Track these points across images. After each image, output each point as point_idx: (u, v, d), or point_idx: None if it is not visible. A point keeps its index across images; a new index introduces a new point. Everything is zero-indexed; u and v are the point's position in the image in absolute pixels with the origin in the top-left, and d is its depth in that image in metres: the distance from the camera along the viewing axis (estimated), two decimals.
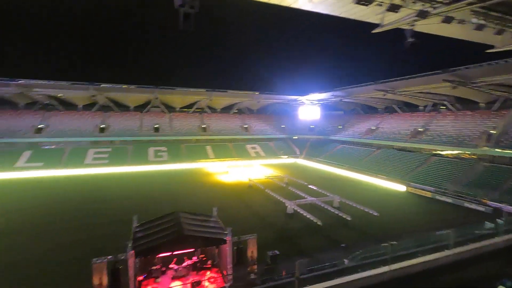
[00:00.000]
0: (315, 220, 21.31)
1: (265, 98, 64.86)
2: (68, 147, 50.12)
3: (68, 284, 13.71)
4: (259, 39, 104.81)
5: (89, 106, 57.69)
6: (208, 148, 58.40)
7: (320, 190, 29.89)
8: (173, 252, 13.38)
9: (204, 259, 14.95)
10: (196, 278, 13.48)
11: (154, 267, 13.93)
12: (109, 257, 12.13)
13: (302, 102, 65.03)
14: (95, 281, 12.05)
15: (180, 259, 14.55)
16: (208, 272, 14.10)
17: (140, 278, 13.38)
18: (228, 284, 12.93)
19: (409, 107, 54.29)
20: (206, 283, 13.36)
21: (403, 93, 45.09)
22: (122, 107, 60.48)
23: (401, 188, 34.30)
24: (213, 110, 68.32)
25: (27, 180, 38.69)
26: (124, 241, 12.74)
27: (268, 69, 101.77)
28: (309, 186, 32.83)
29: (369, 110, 63.67)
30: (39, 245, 18.06)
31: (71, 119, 54.70)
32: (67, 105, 56.60)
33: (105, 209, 25.48)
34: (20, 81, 45.26)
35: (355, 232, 20.58)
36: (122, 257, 12.19)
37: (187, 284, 13.16)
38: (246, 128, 66.28)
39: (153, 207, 24.65)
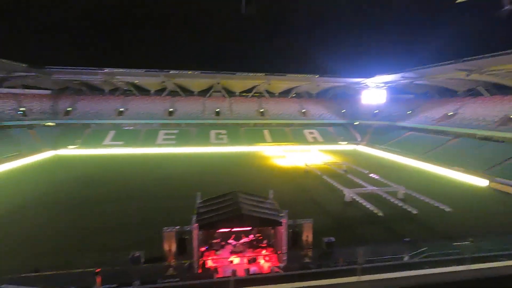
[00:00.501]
0: (375, 211, 20.19)
1: (325, 82, 62.21)
2: (143, 128, 56.43)
3: (143, 246, 15.78)
4: (323, 17, 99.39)
5: (159, 92, 63.40)
6: (266, 132, 59.28)
7: (382, 180, 27.98)
8: (231, 229, 14.30)
9: (260, 238, 15.62)
10: (252, 255, 14.22)
11: (214, 241, 15.14)
12: (177, 227, 13.58)
13: (366, 85, 60.45)
14: (166, 246, 13.69)
15: (238, 236, 15.50)
16: (264, 251, 14.71)
17: (203, 249, 14.68)
18: (282, 264, 13.33)
19: (500, 90, 45.88)
20: (261, 261, 14.01)
21: (493, 72, 38.22)
22: (187, 92, 64.91)
23: (482, 182, 29.93)
24: (271, 94, 68.51)
25: (112, 156, 45.11)
26: (188, 214, 14.06)
27: (329, 51, 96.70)
28: (370, 175, 30.99)
29: (446, 93, 55.98)
30: (124, 211, 21.14)
31: (145, 103, 61.06)
32: (142, 91, 63.13)
33: (172, 185, 28.33)
34: (105, 70, 52.00)
35: (421, 227, 18.93)
36: (188, 229, 13.50)
37: (244, 259, 14.00)
38: (304, 112, 65.03)
39: (213, 186, 26.40)
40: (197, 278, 11.87)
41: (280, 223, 13.26)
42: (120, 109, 58.14)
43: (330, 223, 19.38)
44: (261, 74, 58.25)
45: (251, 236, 15.56)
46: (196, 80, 60.04)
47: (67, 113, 55.73)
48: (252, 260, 13.81)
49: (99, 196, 24.75)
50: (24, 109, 51.86)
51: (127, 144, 50.08)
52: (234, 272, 12.53)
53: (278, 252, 14.13)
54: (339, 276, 5.70)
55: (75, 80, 56.15)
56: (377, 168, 36.12)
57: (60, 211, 21.19)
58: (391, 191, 24.40)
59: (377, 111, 62.94)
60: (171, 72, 54.41)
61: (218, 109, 62.23)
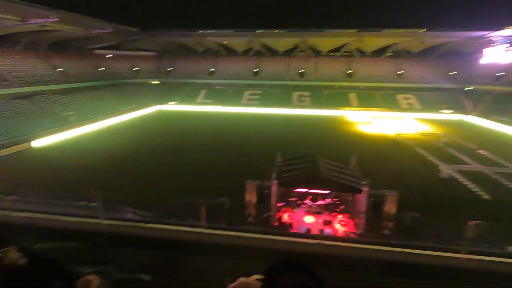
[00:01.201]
0: (479, 193, 17.22)
1: (433, 37, 51.99)
2: (231, 88, 59.73)
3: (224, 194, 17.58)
4: None
5: (246, 52, 64.72)
6: (352, 96, 55.08)
7: (496, 158, 23.19)
8: (309, 190, 14.56)
9: (337, 202, 15.51)
10: (328, 218, 14.36)
11: (291, 199, 15.78)
12: (258, 181, 14.57)
13: (490, 40, 47.94)
14: (247, 198, 14.99)
15: (314, 198, 15.74)
16: (340, 216, 14.63)
17: (280, 204, 15.53)
18: (358, 231, 13.08)
19: None
20: (337, 225, 14.04)
21: None
22: (272, 52, 64.33)
23: None
24: (362, 53, 61.78)
25: (203, 112, 50.03)
26: (268, 171, 14.82)
27: None
28: (479, 151, 26.01)
29: None
30: (212, 161, 23.83)
31: (232, 63, 63.67)
32: (231, 51, 65.56)
33: (254, 143, 29.98)
34: (199, 32, 55.58)
35: None
36: (268, 184, 14.35)
37: (319, 220, 14.30)
38: (400, 74, 57.04)
39: (292, 147, 26.79)
40: (272, 229, 12.80)
41: (359, 191, 12.76)
42: (211, 70, 62.37)
43: (418, 199, 17.59)
44: (352, 30, 52.63)
45: (328, 200, 15.58)
46: (281, 39, 58.56)
47: (168, 72, 63.16)
48: (327, 223, 13.98)
49: (191, 146, 28.36)
50: (137, 68, 61.07)
51: (216, 102, 54.35)
52: (308, 230, 13.03)
53: (355, 220, 13.85)
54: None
55: (174, 43, 62.13)
56: (491, 144, 29.88)
57: (161, 155, 25.29)
58: (507, 173, 20.13)
59: (503, 73, 50.09)
60: (258, 31, 54.36)
61: (302, 70, 60.27)
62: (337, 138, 33.35)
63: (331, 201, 15.53)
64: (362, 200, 12.84)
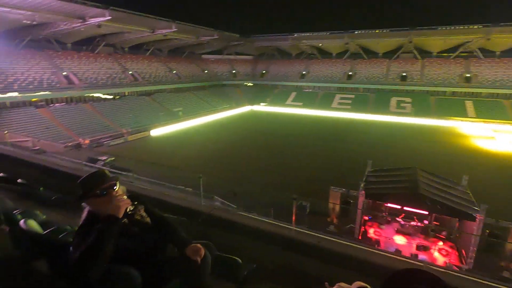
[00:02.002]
0: None
1: None
2: (321, 91, 58.51)
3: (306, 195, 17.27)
4: None
5: (341, 54, 62.19)
6: (468, 104, 46.12)
7: None
8: (403, 207, 12.95)
9: (438, 227, 13.31)
10: (424, 243, 12.47)
11: (380, 214, 14.36)
12: (343, 189, 13.85)
13: None
14: (330, 205, 14.46)
15: (408, 216, 13.90)
16: (440, 243, 12.52)
17: (366, 217, 14.35)
18: (465, 267, 10.92)
19: None
20: (435, 253, 12.06)
21: None
22: (370, 54, 59.89)
23: None
24: (487, 53, 50.97)
25: (291, 114, 50.59)
26: (354, 180, 13.87)
27: None
28: None
29: None
30: (297, 163, 23.91)
31: (325, 66, 62.21)
32: (324, 54, 64.21)
33: (342, 149, 28.53)
34: (294, 35, 56.46)
35: None
36: (354, 194, 13.48)
37: (412, 243, 12.57)
38: None
39: (385, 158, 24.37)
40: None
41: (472, 217, 10.62)
42: (303, 72, 62.49)
43: None
44: (476, 26, 44.02)
45: (426, 222, 13.50)
46: (382, 40, 53.88)
47: (262, 75, 66.44)
48: (423, 248, 12.16)
49: (279, 146, 29.05)
50: (234, 71, 66.48)
51: (305, 105, 54.12)
52: (398, 251, 11.62)
53: (462, 252, 11.61)
54: None
55: (270, 46, 64.92)
56: None
57: (251, 151, 26.77)
58: None
59: None
60: (356, 32, 51.53)
61: (404, 73, 53.98)
62: (445, 153, 28.51)
63: (430, 223, 13.41)
64: (474, 229, 10.66)
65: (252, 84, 65.67)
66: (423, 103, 48.22)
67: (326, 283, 1.48)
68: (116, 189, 1.83)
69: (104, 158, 21.77)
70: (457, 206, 11.02)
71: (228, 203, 13.26)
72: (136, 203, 1.93)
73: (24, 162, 5.65)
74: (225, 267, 2.22)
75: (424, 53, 55.30)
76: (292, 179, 20.36)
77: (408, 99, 49.77)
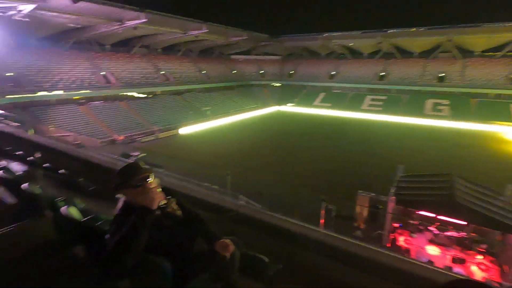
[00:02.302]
0: None
1: None
2: (351, 92, 56.85)
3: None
4: None
5: (373, 54, 59.97)
6: None
7: None
8: (437, 216, 12.19)
9: (476, 239, 12.36)
10: (461, 255, 11.65)
11: (411, 221, 13.62)
12: (372, 194, 13.34)
13: None
14: (358, 209, 14.00)
15: (443, 226, 13.05)
16: (480, 256, 11.61)
17: (396, 225, 13.71)
18: (508, 284, 10.05)
19: None
20: (473, 267, 11.21)
21: None
22: (405, 54, 57.11)
23: None
24: None
25: (319, 116, 49.68)
26: (384, 185, 13.30)
27: None
28: None
29: None
30: (324, 165, 23.46)
31: (356, 67, 60.34)
32: (355, 54, 62.31)
33: (372, 152, 27.50)
34: (325, 34, 55.38)
35: None
36: (383, 199, 12.94)
37: (446, 254, 11.79)
38: None
39: (421, 163, 23.15)
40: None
41: None
42: (332, 73, 61.13)
43: None
44: None
45: (463, 233, 12.59)
46: (419, 39, 51.13)
47: (290, 75, 65.98)
48: (459, 261, 11.36)
49: (305, 148, 28.68)
50: (262, 71, 66.67)
51: (333, 106, 52.88)
52: (430, 262, 10.95)
53: (505, 268, 10.69)
54: None
55: (299, 46, 64.27)
56: None
57: (278, 152, 26.69)
58: None
59: None
60: (390, 31, 49.43)
61: (442, 74, 50.82)
62: (486, 160, 26.45)
63: (467, 235, 12.48)
64: None
65: (279, 85, 65.42)
66: (463, 106, 45.06)
67: None
68: (150, 181, 1.88)
69: (136, 153, 22.89)
70: (500, 218, 10.17)
71: (253, 202, 13.33)
72: (168, 196, 2.00)
73: (66, 155, 6.12)
74: (252, 265, 2.23)
75: (465, 52, 51.61)
76: (318, 182, 20.00)
77: (446, 101, 46.79)
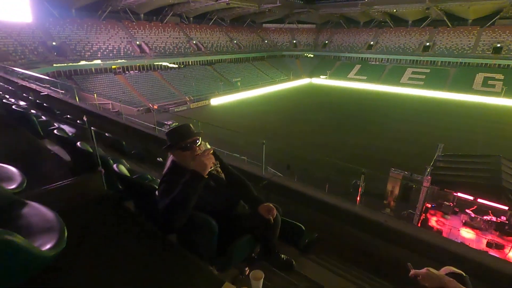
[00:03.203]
0: None
1: None
2: (389, 64, 52.95)
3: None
4: None
5: (419, 22, 54.44)
6: None
7: None
8: (476, 199, 11.52)
9: None
10: (498, 240, 11.08)
11: (446, 202, 13.04)
12: (406, 172, 12.84)
13: None
14: (389, 187, 13.62)
15: (481, 210, 12.35)
16: None
17: (428, 205, 13.23)
18: None
19: None
20: (511, 253, 10.66)
21: None
22: (457, 21, 51.09)
23: None
24: None
25: (353, 89, 47.29)
26: (420, 164, 12.70)
27: None
28: None
29: None
30: (357, 141, 22.77)
31: (398, 36, 55.53)
32: (398, 22, 56.97)
33: (409, 129, 26.04)
34: (366, 0, 50.94)
35: None
36: (418, 178, 12.43)
37: (482, 239, 11.28)
38: None
39: (464, 143, 21.58)
40: None
41: None
42: (370, 43, 56.95)
43: None
44: None
45: (503, 218, 11.86)
46: (476, 2, 45.13)
47: (324, 45, 62.59)
48: (496, 246, 10.82)
49: (337, 122, 27.86)
50: (295, 41, 63.86)
51: (369, 79, 49.91)
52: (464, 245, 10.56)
53: None
54: None
55: (336, 14, 59.96)
56: None
57: (308, 126, 26.26)
58: None
59: None
60: None
61: (499, 44, 45.15)
62: None
63: (508, 221, 11.74)
64: None
65: (313, 55, 62.54)
66: None
67: (408, 264, 1.43)
68: (199, 144, 1.93)
69: (169, 122, 23.73)
70: None
71: (280, 175, 13.47)
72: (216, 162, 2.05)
73: (109, 120, 6.54)
74: (289, 232, 2.29)
75: None
76: (349, 157, 19.55)
77: (499, 76, 42.01)
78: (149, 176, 2.51)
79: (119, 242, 1.77)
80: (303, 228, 2.35)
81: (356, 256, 2.71)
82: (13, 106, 4.02)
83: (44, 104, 6.65)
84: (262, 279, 1.52)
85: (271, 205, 2.01)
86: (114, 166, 2.15)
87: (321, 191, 3.54)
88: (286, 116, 30.45)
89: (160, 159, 3.98)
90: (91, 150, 2.40)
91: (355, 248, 2.78)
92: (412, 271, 1.43)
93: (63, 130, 3.17)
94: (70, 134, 3.55)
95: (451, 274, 1.39)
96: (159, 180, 1.91)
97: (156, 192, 1.81)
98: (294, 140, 22.95)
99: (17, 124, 3.72)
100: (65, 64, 32.60)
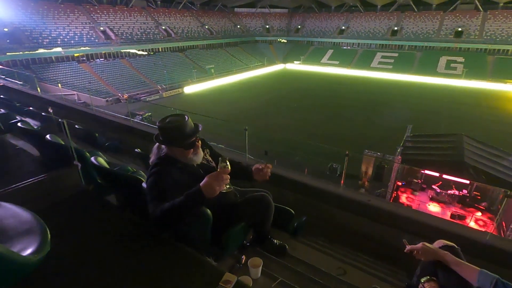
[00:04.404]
0: None
1: None
2: (360, 49, 54.18)
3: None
4: None
5: (387, 7, 55.83)
6: None
7: None
8: (441, 175, 12.36)
9: (478, 198, 12.69)
10: (460, 212, 12.07)
11: (414, 180, 13.90)
12: (379, 153, 13.43)
13: None
14: (363, 168, 14.22)
15: (446, 185, 13.33)
16: (479, 213, 12.03)
17: (399, 183, 14.01)
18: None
19: None
20: (471, 223, 11.66)
21: None
22: (422, 6, 53.01)
23: None
24: None
25: (327, 74, 48.04)
26: (391, 145, 13.33)
27: None
28: None
29: None
30: (329, 125, 23.33)
31: (368, 20, 56.70)
32: (368, 6, 58.03)
33: (380, 112, 27.11)
34: None
35: None
36: (389, 159, 13.06)
37: (446, 212, 12.23)
38: None
39: (430, 124, 22.89)
40: None
41: None
42: (342, 27, 57.72)
43: None
44: None
45: (465, 191, 12.91)
46: None
47: (297, 30, 62.49)
48: (458, 217, 11.79)
49: (311, 107, 28.29)
50: (268, 26, 63.10)
51: (341, 64, 50.88)
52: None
53: (503, 225, 11.09)
54: None
55: None
56: None
57: (284, 112, 26.45)
58: None
59: None
60: None
61: (460, 28, 47.71)
62: (499, 121, 25.93)
63: (468, 194, 12.80)
64: None
65: (286, 41, 62.35)
66: (478, 64, 42.99)
67: (404, 240, 1.48)
68: (199, 141, 1.85)
69: (141, 113, 22.78)
70: (505, 178, 10.29)
71: (258, 160, 13.54)
72: (204, 147, 1.98)
73: (78, 111, 6.11)
74: (280, 216, 2.30)
75: (489, 4, 47.72)
76: (324, 141, 20.02)
77: (460, 59, 44.65)
78: (129, 168, 2.37)
79: (107, 240, 1.66)
80: (293, 212, 2.37)
81: (343, 236, 2.81)
82: None
83: (1, 96, 6.04)
84: (261, 266, 1.51)
85: (262, 164, 1.98)
86: (92, 158, 1.99)
87: (305, 175, 3.60)
88: (261, 102, 30.40)
89: (139, 150, 3.80)
90: (63, 143, 2.20)
91: (341, 228, 2.88)
92: (408, 247, 1.49)
93: (27, 123, 2.90)
94: (35, 127, 3.26)
95: (445, 247, 1.46)
96: (141, 172, 1.81)
97: (143, 184, 1.70)
98: (270, 126, 23.06)
99: None
100: (21, 53, 29.86)
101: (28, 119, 4.05)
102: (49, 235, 0.96)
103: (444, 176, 12.48)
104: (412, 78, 43.20)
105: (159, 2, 50.47)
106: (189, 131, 1.78)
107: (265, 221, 2.10)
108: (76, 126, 4.72)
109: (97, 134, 4.57)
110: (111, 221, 1.77)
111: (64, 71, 32.37)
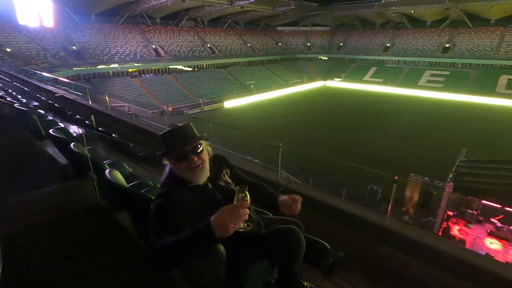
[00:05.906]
0: None
1: None
2: (406, 66, 51.51)
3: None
4: None
5: (437, 23, 52.80)
6: None
7: None
8: (504, 207, 10.78)
9: None
10: None
11: (469, 210, 12.30)
12: (426, 178, 12.20)
13: None
14: (407, 193, 12.98)
15: (508, 219, 11.56)
16: None
17: (450, 213, 12.52)
18: None
19: None
20: None
21: None
22: (478, 21, 49.17)
23: None
24: None
25: (370, 92, 46.18)
26: (440, 169, 12.03)
27: None
28: None
29: None
30: (373, 144, 22.05)
31: (416, 37, 54.04)
32: (416, 23, 55.46)
33: (428, 134, 25.04)
34: (382, 1, 49.90)
35: None
36: (439, 185, 11.78)
37: (510, 250, 10.52)
38: None
39: (488, 148, 20.50)
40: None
41: None
42: (387, 45, 55.70)
43: None
44: None
45: None
46: (499, 2, 43.29)
47: (339, 48, 61.73)
48: None
49: (352, 126, 27.17)
50: (309, 44, 63.33)
51: (385, 82, 48.67)
52: (489, 257, 9.84)
53: None
54: None
55: (351, 16, 59.07)
56: None
57: (323, 129, 25.72)
58: None
59: None
60: None
61: None
62: None
63: None
64: None
65: (327, 58, 61.74)
66: None
67: None
68: (201, 150, 1.55)
69: (181, 125, 23.82)
70: None
71: (293, 178, 13.06)
72: (223, 167, 1.73)
73: (119, 121, 6.42)
74: (312, 251, 1.93)
75: None
76: (365, 162, 18.88)
77: None
78: (151, 182, 2.25)
79: (107, 264, 1.49)
80: (328, 246, 2.00)
81: (387, 277, 2.35)
82: (15, 105, 3.92)
83: (56, 105, 6.63)
84: None
85: (293, 196, 1.66)
86: (107, 171, 1.88)
87: (345, 200, 3.19)
88: (299, 119, 29.99)
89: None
90: (84, 152, 2.15)
91: (386, 267, 2.42)
92: None
93: (64, 130, 3.00)
94: (75, 135, 3.40)
95: None
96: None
97: (152, 205, 1.47)
98: (307, 143, 22.49)
99: (18, 124, 3.60)
100: (84, 68, 33.52)
101: (74, 127, 4.29)
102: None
103: (507, 208, 10.87)
104: (466, 98, 39.54)
105: (206, 22, 53.66)
106: (180, 137, 1.53)
107: (294, 261, 1.73)
108: (113, 135, 4.91)
109: (131, 144, 4.68)
110: (112, 243, 1.62)
111: (118, 85, 35.47)
